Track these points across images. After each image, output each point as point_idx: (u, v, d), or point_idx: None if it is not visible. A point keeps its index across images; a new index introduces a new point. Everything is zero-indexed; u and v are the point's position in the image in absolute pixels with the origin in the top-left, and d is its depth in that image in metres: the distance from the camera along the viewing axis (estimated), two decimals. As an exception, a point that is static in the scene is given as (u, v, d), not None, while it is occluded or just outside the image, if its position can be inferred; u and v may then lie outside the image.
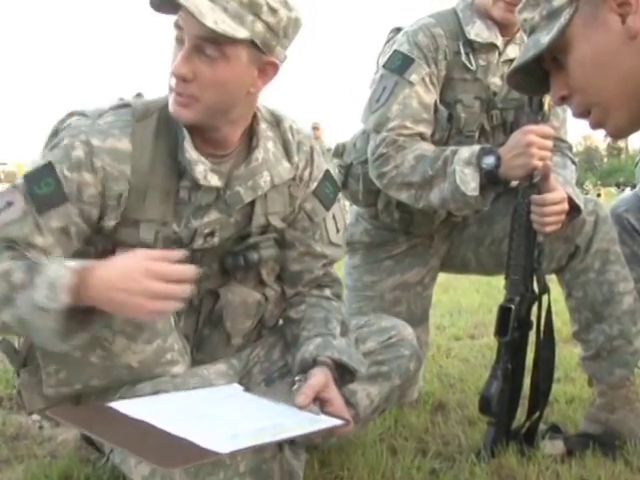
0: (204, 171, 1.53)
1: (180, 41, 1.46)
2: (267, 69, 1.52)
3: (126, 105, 1.57)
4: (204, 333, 1.70)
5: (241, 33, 1.42)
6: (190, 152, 1.52)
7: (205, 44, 1.42)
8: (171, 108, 1.50)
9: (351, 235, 2.44)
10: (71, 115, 1.60)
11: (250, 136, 1.64)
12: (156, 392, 1.50)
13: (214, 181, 1.55)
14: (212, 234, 1.61)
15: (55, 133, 1.60)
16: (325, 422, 1.44)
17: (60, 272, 1.33)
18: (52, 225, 1.46)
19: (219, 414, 1.42)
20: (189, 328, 1.67)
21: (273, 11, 1.45)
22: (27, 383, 1.61)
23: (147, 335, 1.51)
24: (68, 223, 1.48)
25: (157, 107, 1.57)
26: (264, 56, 1.49)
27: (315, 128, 12.58)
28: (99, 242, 1.56)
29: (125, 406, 1.38)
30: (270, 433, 1.32)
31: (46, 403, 1.59)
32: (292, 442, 1.65)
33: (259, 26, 1.44)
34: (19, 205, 1.46)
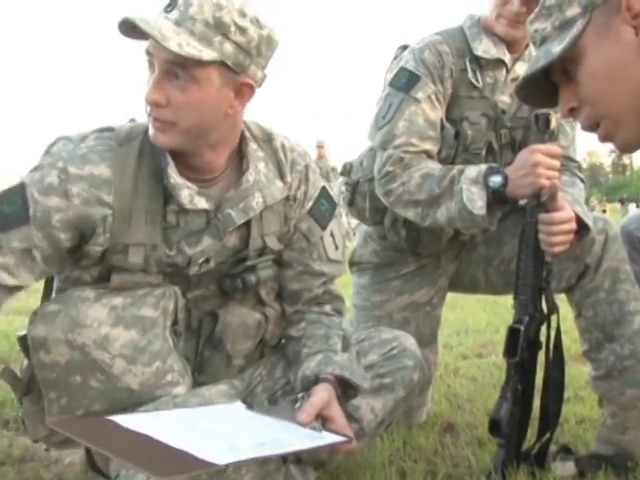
0: (189, 195, 1.53)
1: (152, 67, 1.46)
2: (243, 90, 1.51)
3: (110, 129, 1.57)
4: (205, 355, 1.69)
5: (208, 55, 1.41)
6: (174, 177, 1.52)
7: (175, 68, 1.42)
8: (150, 133, 1.50)
9: (360, 256, 2.44)
10: (58, 140, 1.60)
11: (240, 158, 1.63)
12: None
13: (201, 204, 1.55)
14: (207, 260, 1.61)
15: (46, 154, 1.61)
16: (326, 438, 1.43)
17: None
18: (13, 245, 1.47)
19: (219, 429, 1.42)
20: (190, 350, 1.67)
21: (242, 30, 1.44)
22: (30, 411, 1.60)
23: (146, 357, 1.50)
24: (31, 246, 1.48)
25: (140, 130, 1.57)
26: (238, 77, 1.48)
27: (320, 147, 12.61)
28: (93, 269, 1.57)
29: (126, 419, 1.39)
30: (269, 447, 1.32)
31: (49, 431, 1.59)
32: (299, 460, 1.65)
33: (228, 46, 1.44)
34: None
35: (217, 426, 1.44)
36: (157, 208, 1.54)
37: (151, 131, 1.50)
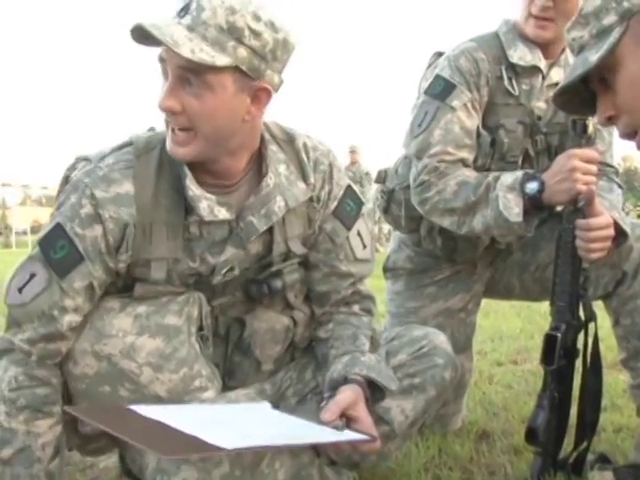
0: (208, 207, 1.51)
1: (165, 73, 1.44)
2: (259, 95, 1.48)
3: (128, 143, 1.56)
4: (234, 360, 1.69)
5: (221, 60, 1.38)
6: (193, 189, 1.50)
7: (188, 74, 1.40)
8: (168, 146, 1.48)
9: (394, 261, 2.43)
10: (77, 161, 1.60)
11: (260, 161, 1.60)
12: None
13: (222, 214, 1.53)
14: (231, 269, 1.60)
15: (65, 180, 1.61)
16: (346, 436, 1.42)
17: None
18: (76, 286, 1.48)
19: (236, 421, 1.43)
20: (218, 356, 1.66)
21: (256, 34, 1.41)
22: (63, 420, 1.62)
23: (173, 364, 1.50)
24: (91, 279, 1.49)
25: (159, 139, 1.55)
26: (254, 82, 1.45)
27: (353, 152, 12.61)
28: (118, 281, 1.57)
29: (145, 409, 1.39)
30: (283, 438, 1.33)
31: (83, 439, 1.61)
32: (332, 462, 1.65)
33: (242, 51, 1.40)
34: (41, 275, 1.48)
35: (234, 419, 1.45)
36: (178, 220, 1.53)
37: (169, 145, 1.48)
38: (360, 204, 1.76)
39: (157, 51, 1.44)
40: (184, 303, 1.55)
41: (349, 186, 1.74)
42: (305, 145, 1.68)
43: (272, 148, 1.62)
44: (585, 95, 1.30)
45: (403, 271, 2.41)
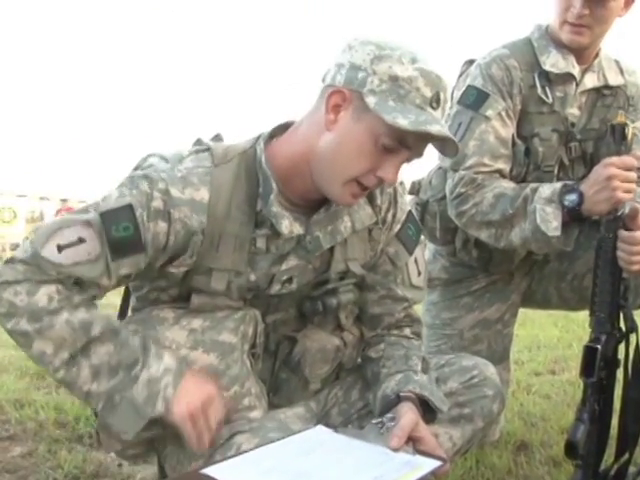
0: (289, 225, 1.51)
1: (391, 150, 1.43)
2: None
3: (206, 149, 1.54)
4: (281, 377, 1.67)
5: None
6: (277, 207, 1.50)
7: None
8: (344, 199, 1.49)
9: (429, 272, 2.40)
10: (151, 155, 1.57)
11: None
12: (232, 435, 1.48)
13: (296, 229, 1.53)
14: (290, 280, 1.59)
15: (137, 170, 1.59)
16: (425, 465, 1.38)
17: (167, 380, 1.41)
18: (121, 272, 1.44)
19: (317, 469, 1.36)
20: (265, 372, 1.65)
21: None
22: (104, 425, 1.61)
23: (224, 381, 1.49)
24: (134, 270, 1.46)
25: (237, 152, 1.54)
26: None
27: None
28: (172, 289, 1.56)
29: (219, 471, 1.33)
30: None
31: (123, 445, 1.59)
32: None
33: None
34: (92, 246, 1.40)
35: (313, 465, 1.37)
36: (247, 234, 1.52)
37: (347, 198, 1.48)
38: (420, 230, 1.77)
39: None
40: (240, 321, 1.54)
41: (410, 211, 1.76)
42: None
43: None
44: None
45: (438, 281, 2.39)
